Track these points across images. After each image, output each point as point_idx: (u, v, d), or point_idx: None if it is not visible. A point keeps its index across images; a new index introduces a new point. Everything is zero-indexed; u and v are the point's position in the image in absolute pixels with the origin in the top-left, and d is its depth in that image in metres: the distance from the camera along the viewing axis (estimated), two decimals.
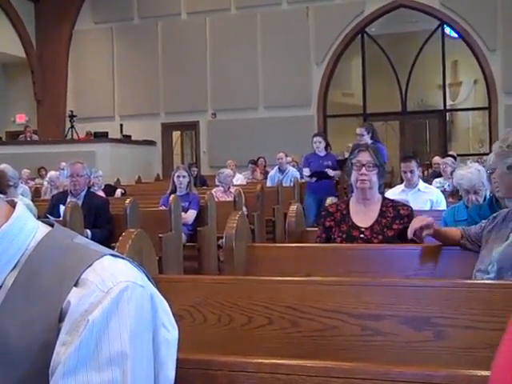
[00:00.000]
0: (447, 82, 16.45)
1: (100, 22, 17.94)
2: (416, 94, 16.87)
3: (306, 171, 8.56)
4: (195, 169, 11.57)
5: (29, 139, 16.20)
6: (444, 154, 11.79)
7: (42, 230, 1.08)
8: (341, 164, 8.62)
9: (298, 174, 10.25)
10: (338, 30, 15.93)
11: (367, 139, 7.58)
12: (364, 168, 3.47)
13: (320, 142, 8.55)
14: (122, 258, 1.06)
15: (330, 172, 8.51)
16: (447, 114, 16.99)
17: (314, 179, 8.30)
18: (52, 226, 1.11)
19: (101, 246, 1.07)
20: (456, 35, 15.72)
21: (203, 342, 2.05)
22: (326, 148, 8.65)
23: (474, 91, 17.47)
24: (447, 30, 15.93)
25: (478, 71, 15.63)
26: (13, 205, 1.08)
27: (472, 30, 15.05)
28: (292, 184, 9.62)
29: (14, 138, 17.82)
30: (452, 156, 10.09)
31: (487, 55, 15.06)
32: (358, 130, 7.85)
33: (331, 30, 15.87)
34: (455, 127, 18.70)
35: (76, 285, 0.97)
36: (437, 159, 10.40)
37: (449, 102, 16.87)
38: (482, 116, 16.73)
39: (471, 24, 15.00)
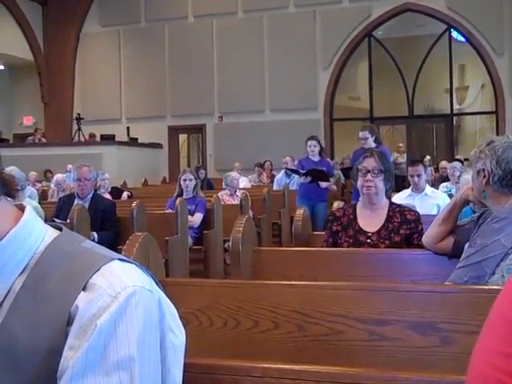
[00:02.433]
0: (454, 86, 16.42)
1: (107, 25, 17.99)
2: (423, 97, 16.84)
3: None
4: (203, 171, 11.54)
5: (37, 141, 16.24)
6: (451, 159, 11.77)
7: (51, 233, 1.08)
8: (345, 172, 8.40)
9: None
10: (345, 34, 15.93)
11: (371, 143, 7.32)
12: (370, 174, 3.46)
13: (315, 146, 8.14)
14: (130, 263, 1.06)
15: (326, 184, 8.25)
16: (454, 118, 16.97)
17: (309, 179, 7.85)
18: (60, 229, 1.11)
19: (109, 251, 1.08)
20: (463, 39, 15.70)
21: (209, 345, 2.05)
22: (320, 153, 8.23)
23: (481, 95, 17.44)
24: (454, 33, 15.92)
25: (485, 75, 15.60)
26: (21, 208, 1.09)
27: (479, 34, 15.03)
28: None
29: (21, 140, 17.86)
30: (459, 160, 10.07)
31: (494, 59, 15.03)
32: (361, 134, 7.45)
33: (338, 34, 15.88)
34: (462, 131, 18.67)
35: (84, 289, 0.97)
36: (444, 163, 10.39)
37: (456, 106, 16.84)
38: (490, 120, 16.69)
39: (478, 28, 14.97)
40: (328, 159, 9.10)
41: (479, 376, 0.87)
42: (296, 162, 8.96)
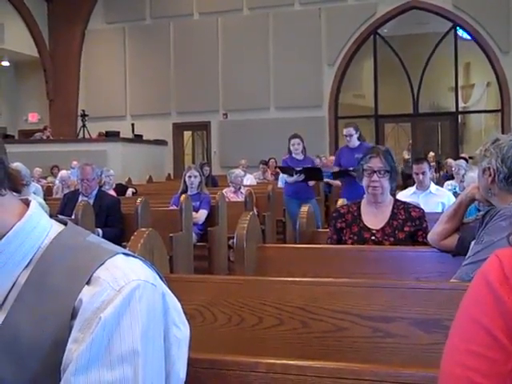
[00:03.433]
0: (459, 84, 16.39)
1: (112, 22, 18.01)
2: (428, 96, 16.81)
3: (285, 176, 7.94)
4: (207, 168, 11.55)
5: (45, 138, 16.24)
6: (456, 157, 11.75)
7: (56, 228, 1.08)
8: (335, 175, 8.07)
9: None
10: (350, 31, 15.91)
11: (355, 140, 7.22)
12: (375, 175, 3.45)
13: (299, 144, 7.84)
14: (134, 257, 1.06)
15: (332, 181, 7.95)
16: (459, 116, 16.92)
17: (303, 177, 7.50)
18: (65, 224, 1.11)
19: (113, 245, 1.08)
20: (469, 37, 15.66)
21: (213, 341, 2.05)
22: (302, 151, 7.92)
23: (487, 93, 17.39)
24: (460, 31, 15.88)
25: (491, 73, 15.56)
26: (27, 203, 1.09)
27: (485, 31, 15.00)
28: None
29: (26, 136, 17.89)
30: (464, 158, 10.06)
31: (500, 57, 14.99)
32: (346, 131, 7.34)
33: (343, 31, 15.86)
34: (467, 130, 18.61)
35: (88, 283, 0.98)
36: (450, 161, 10.37)
37: (461, 105, 16.80)
38: (495, 118, 16.65)
39: (484, 26, 14.94)
40: (311, 157, 8.88)
41: (450, 376, 0.88)
42: (282, 162, 8.56)
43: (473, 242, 2.59)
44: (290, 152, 7.97)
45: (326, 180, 8.05)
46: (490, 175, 2.52)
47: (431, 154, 14.15)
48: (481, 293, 0.89)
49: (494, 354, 0.84)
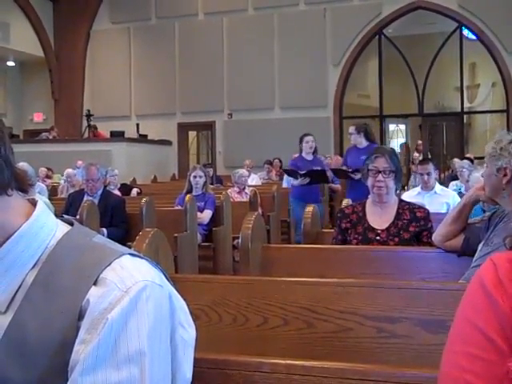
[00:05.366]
0: (465, 84, 16.33)
1: (117, 22, 18.02)
2: (433, 96, 16.76)
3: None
4: (210, 169, 11.55)
5: (52, 138, 16.23)
6: (461, 157, 11.72)
7: (62, 228, 1.09)
8: (335, 172, 7.71)
9: None
10: (355, 32, 15.88)
11: (357, 139, 6.96)
12: (380, 175, 3.45)
13: (313, 142, 7.66)
14: (141, 258, 1.07)
15: (333, 186, 7.72)
16: (465, 116, 16.87)
17: (307, 180, 7.30)
18: (71, 224, 1.12)
19: (119, 246, 1.08)
20: (474, 37, 15.61)
21: (219, 341, 2.05)
22: (313, 152, 7.74)
23: (492, 94, 17.34)
24: (465, 31, 15.83)
25: (496, 73, 15.51)
26: (33, 203, 1.09)
27: (490, 32, 14.95)
28: None
29: (31, 136, 17.92)
30: (469, 159, 10.02)
31: (505, 57, 14.95)
32: (350, 129, 7.20)
33: (348, 31, 15.83)
34: (473, 130, 18.56)
35: (95, 284, 0.98)
36: (457, 161, 10.33)
37: (466, 105, 16.75)
38: (500, 118, 16.59)
39: (489, 26, 14.89)
40: (321, 157, 8.70)
41: (448, 378, 0.89)
42: (289, 162, 8.32)
43: (481, 244, 2.57)
44: (300, 151, 7.79)
45: (329, 185, 7.82)
46: (506, 175, 2.46)
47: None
48: (476, 296, 0.90)
49: (490, 355, 0.85)
